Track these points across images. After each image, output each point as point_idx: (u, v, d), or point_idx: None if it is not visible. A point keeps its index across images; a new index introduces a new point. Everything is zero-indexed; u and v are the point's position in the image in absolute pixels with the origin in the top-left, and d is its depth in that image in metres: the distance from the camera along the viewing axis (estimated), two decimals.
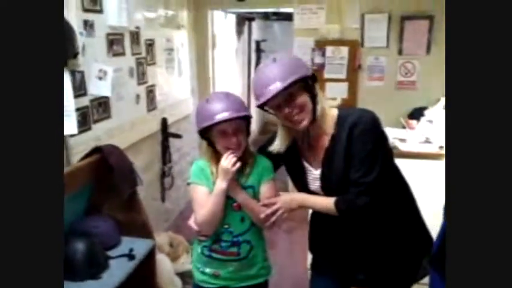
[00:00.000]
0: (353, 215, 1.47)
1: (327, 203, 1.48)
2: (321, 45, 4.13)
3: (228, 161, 1.52)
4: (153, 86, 3.29)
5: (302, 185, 1.59)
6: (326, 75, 4.17)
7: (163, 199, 3.58)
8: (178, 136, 3.60)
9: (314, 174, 1.54)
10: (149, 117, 3.24)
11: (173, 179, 3.66)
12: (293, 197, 1.60)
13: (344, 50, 4.10)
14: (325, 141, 1.48)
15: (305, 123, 1.42)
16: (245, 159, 1.60)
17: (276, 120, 1.52)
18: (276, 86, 1.36)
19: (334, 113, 1.49)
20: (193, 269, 1.76)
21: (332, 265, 1.68)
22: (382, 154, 1.43)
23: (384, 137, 1.47)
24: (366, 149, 1.39)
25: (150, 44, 3.23)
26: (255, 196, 1.61)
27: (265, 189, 1.62)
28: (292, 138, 1.54)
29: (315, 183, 1.55)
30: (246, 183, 1.61)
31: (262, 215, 1.55)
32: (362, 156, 1.39)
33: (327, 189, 1.51)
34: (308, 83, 1.42)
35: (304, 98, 1.41)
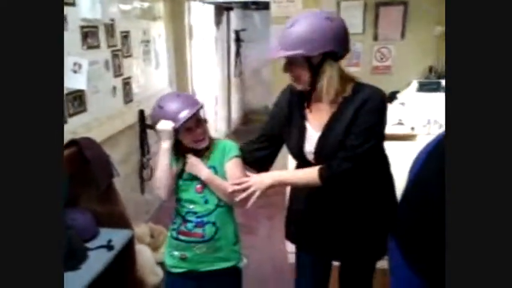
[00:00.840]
0: (334, 180, 1.53)
1: (309, 172, 1.56)
2: None
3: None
4: (129, 78, 3.27)
5: (297, 146, 1.63)
6: None
7: (142, 191, 3.59)
8: None
9: (313, 136, 1.59)
10: (126, 109, 3.24)
11: (152, 170, 3.64)
12: (266, 174, 1.64)
13: None
14: (333, 107, 1.55)
15: (297, 89, 1.58)
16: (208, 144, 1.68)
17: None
18: (278, 51, 1.49)
19: (351, 82, 1.55)
20: (165, 256, 1.79)
21: (313, 240, 1.74)
22: (380, 132, 1.54)
23: (386, 118, 1.56)
24: (369, 123, 1.49)
25: (126, 36, 3.21)
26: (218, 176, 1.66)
27: (230, 165, 1.66)
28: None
29: (311, 145, 1.60)
30: (206, 164, 1.65)
31: (230, 189, 1.59)
32: (363, 127, 1.49)
33: (319, 153, 1.57)
34: (311, 61, 1.48)
35: (299, 72, 1.51)
